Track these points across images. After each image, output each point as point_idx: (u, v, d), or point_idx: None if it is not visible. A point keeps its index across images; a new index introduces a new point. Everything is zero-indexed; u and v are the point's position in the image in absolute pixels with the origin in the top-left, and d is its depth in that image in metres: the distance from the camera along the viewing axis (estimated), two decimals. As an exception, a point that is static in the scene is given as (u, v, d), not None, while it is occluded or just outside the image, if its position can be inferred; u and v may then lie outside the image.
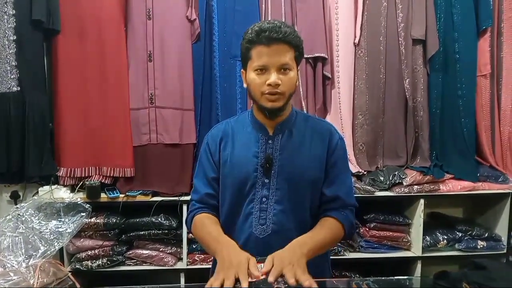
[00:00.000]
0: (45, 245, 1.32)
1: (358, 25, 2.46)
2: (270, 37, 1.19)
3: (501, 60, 2.56)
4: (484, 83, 2.56)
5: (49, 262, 1.29)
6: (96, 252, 2.27)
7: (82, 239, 2.28)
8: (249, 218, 1.30)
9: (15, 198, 2.43)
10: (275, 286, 1.00)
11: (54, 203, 1.43)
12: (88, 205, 1.43)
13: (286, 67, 1.21)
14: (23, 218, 1.37)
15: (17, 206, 1.44)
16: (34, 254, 1.28)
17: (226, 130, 1.37)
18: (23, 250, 1.27)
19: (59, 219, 1.40)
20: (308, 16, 2.41)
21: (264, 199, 1.29)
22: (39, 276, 1.20)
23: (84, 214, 1.42)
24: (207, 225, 1.29)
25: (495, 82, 2.57)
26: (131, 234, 2.32)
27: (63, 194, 2.27)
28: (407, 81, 2.47)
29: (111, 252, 2.29)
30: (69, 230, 1.38)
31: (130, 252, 2.33)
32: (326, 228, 1.27)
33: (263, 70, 1.22)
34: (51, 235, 1.35)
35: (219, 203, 1.37)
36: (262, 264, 1.08)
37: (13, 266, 1.21)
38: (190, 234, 2.30)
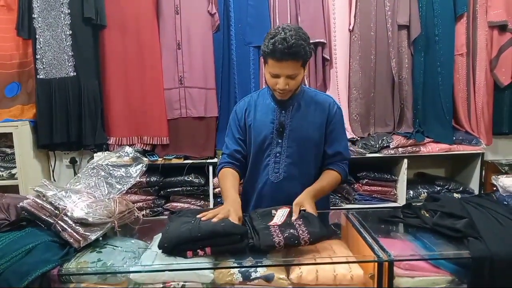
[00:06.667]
0: (119, 184, 1.85)
1: (352, 14, 2.90)
2: (281, 57, 1.48)
3: (476, 41, 2.95)
4: (461, 61, 2.96)
5: (122, 197, 1.82)
6: (140, 204, 2.80)
7: (129, 195, 2.82)
8: (266, 168, 1.73)
9: (73, 163, 2.99)
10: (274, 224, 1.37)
11: (122, 156, 1.97)
12: (145, 158, 1.96)
13: (293, 76, 1.55)
14: (102, 167, 1.91)
15: (93, 160, 1.97)
16: (112, 191, 1.81)
17: (250, 102, 1.78)
18: (105, 187, 1.80)
19: (126, 167, 1.93)
20: (309, 7, 2.85)
21: (278, 154, 1.71)
22: (118, 205, 1.73)
23: (143, 164, 1.95)
24: (226, 179, 1.69)
25: (470, 60, 2.97)
26: (168, 190, 2.84)
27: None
28: (394, 60, 2.91)
29: (152, 205, 2.83)
30: (134, 175, 1.89)
31: (167, 205, 2.85)
32: (328, 178, 1.71)
33: (275, 75, 1.56)
34: (122, 179, 1.89)
35: (246, 157, 1.80)
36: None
37: (100, 198, 1.74)
38: (216, 190, 2.84)
